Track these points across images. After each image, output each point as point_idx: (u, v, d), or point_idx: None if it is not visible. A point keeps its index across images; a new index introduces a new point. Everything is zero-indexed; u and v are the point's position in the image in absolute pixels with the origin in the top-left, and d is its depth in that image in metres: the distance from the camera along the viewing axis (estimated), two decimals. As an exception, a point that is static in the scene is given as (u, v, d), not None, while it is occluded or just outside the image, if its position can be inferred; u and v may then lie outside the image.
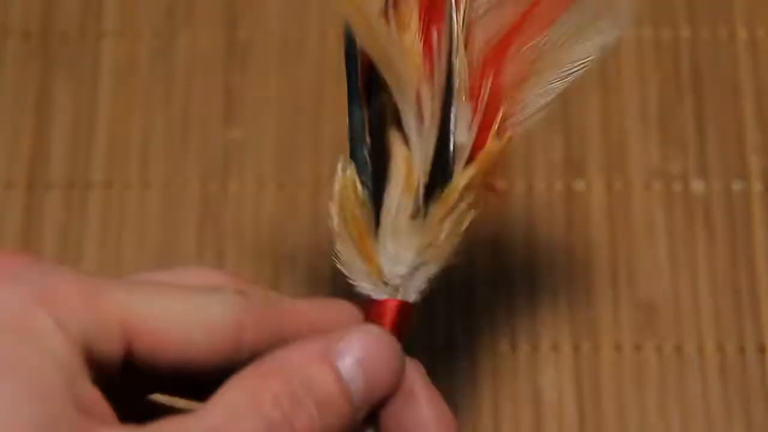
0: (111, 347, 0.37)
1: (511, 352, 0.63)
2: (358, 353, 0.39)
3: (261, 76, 0.70)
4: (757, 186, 0.67)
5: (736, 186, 0.67)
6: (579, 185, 0.67)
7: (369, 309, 0.43)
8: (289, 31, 0.71)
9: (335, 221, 0.44)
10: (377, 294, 0.43)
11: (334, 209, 0.44)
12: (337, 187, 0.44)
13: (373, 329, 0.40)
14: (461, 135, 0.43)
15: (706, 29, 0.70)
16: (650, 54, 0.70)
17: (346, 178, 0.43)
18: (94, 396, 0.36)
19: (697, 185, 0.67)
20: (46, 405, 0.34)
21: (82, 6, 0.72)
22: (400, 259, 0.43)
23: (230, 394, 0.37)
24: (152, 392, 0.42)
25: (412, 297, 0.43)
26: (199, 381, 0.39)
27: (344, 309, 0.42)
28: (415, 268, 0.43)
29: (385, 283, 0.43)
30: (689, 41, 0.70)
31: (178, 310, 0.38)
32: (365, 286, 0.44)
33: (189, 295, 0.38)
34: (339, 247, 0.45)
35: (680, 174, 0.67)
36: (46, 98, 0.69)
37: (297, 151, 0.68)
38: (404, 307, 0.43)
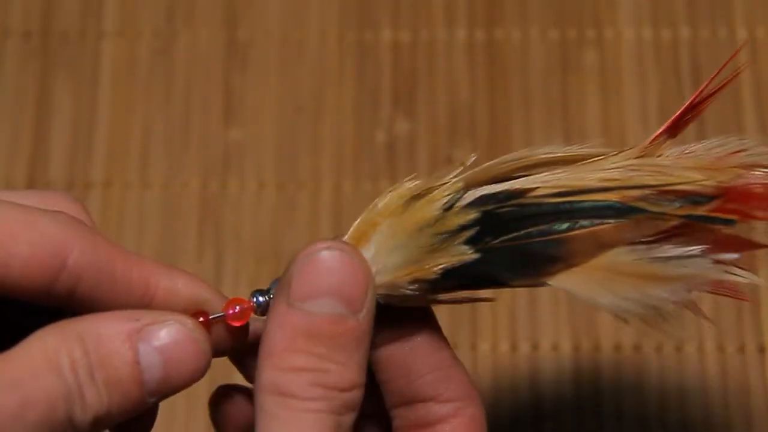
0: None
1: (511, 352, 0.63)
2: (164, 342, 0.38)
3: (261, 76, 0.70)
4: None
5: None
6: (579, 185, 0.67)
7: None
8: (289, 31, 0.71)
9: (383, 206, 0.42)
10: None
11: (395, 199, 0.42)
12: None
13: (187, 322, 0.39)
14: None
15: (706, 29, 0.70)
16: (650, 54, 0.70)
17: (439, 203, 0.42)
18: None
19: (697, 185, 0.67)
20: None
21: (82, 6, 0.72)
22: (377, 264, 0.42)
23: (32, 350, 0.37)
24: None
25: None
26: (11, 318, 0.39)
27: (193, 285, 0.41)
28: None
29: None
30: (689, 41, 0.70)
31: (3, 221, 0.37)
32: None
33: (18, 209, 0.38)
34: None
35: (680, 174, 0.67)
36: (46, 98, 0.69)
37: (297, 151, 0.69)
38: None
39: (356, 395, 0.39)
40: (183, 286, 0.40)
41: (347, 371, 0.39)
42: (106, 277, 0.39)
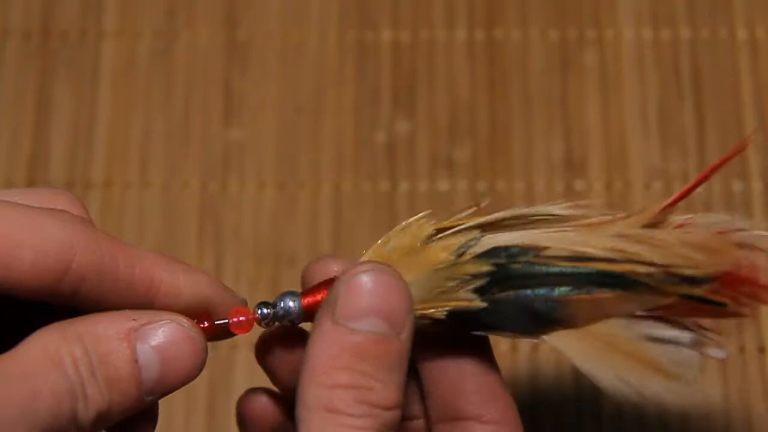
0: None
1: (511, 352, 0.63)
2: (161, 341, 0.39)
3: (261, 76, 0.70)
4: (757, 186, 0.67)
5: (736, 186, 0.67)
6: (579, 185, 0.67)
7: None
8: (289, 31, 0.71)
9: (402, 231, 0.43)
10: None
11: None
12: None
13: (183, 321, 0.40)
14: None
15: (706, 29, 0.70)
16: (650, 54, 0.70)
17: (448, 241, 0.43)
18: None
19: (697, 185, 0.67)
20: None
21: (82, 6, 0.72)
22: None
23: (34, 349, 0.37)
24: None
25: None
26: (9, 317, 0.40)
27: (195, 281, 0.41)
28: None
29: None
30: (689, 41, 0.70)
31: (7, 225, 0.37)
32: None
33: (21, 211, 0.38)
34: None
35: (680, 174, 0.67)
36: (46, 98, 0.69)
37: (297, 151, 0.68)
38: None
39: (396, 415, 0.40)
40: (185, 282, 0.40)
41: (389, 390, 0.40)
42: (109, 276, 0.39)
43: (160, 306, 0.40)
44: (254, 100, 0.70)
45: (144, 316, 0.39)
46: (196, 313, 0.41)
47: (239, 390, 0.64)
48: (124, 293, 0.39)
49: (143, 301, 0.40)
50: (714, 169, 0.44)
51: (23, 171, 0.68)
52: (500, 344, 0.63)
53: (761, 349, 0.63)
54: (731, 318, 0.44)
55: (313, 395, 0.40)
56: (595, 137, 0.68)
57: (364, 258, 0.43)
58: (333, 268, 0.44)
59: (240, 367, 0.64)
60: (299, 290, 0.43)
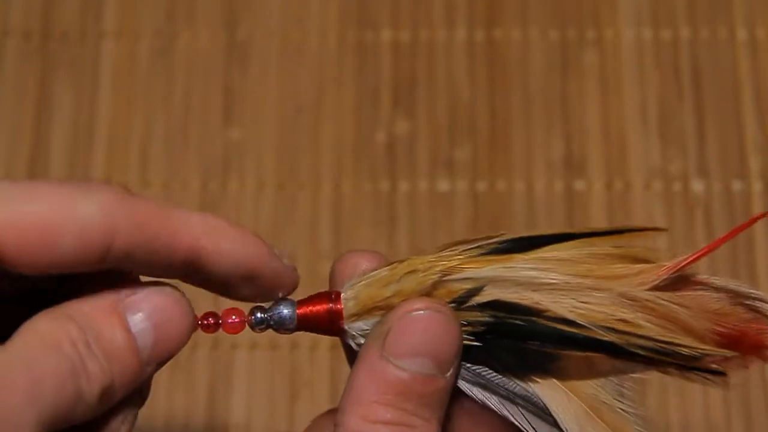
0: None
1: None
2: (149, 309, 0.39)
3: (261, 76, 0.70)
4: (757, 186, 0.67)
5: (736, 186, 0.67)
6: (579, 185, 0.67)
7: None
8: (289, 31, 0.71)
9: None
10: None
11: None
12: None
13: (165, 288, 0.40)
14: None
15: (706, 29, 0.70)
16: (650, 54, 0.70)
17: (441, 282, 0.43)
18: None
19: (697, 185, 0.67)
20: None
21: (82, 6, 0.72)
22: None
23: (28, 337, 0.37)
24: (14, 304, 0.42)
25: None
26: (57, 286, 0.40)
27: (246, 246, 0.41)
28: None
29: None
30: (689, 41, 0.70)
31: (45, 210, 0.37)
32: None
33: (61, 195, 0.38)
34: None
35: (680, 174, 0.67)
36: (46, 98, 0.69)
37: (297, 151, 0.68)
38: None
39: None
40: (229, 248, 0.40)
41: (430, 428, 0.41)
42: (150, 248, 0.39)
43: (205, 272, 0.40)
44: (254, 100, 0.70)
45: (126, 288, 0.39)
46: (240, 279, 0.41)
47: (239, 390, 0.64)
48: (167, 261, 0.39)
49: (187, 268, 0.40)
50: (719, 243, 0.44)
51: (23, 171, 0.68)
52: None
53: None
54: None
55: (355, 425, 0.40)
56: (595, 137, 0.68)
57: (365, 295, 0.42)
58: (363, 265, 0.43)
59: (240, 367, 0.64)
60: (295, 298, 0.43)
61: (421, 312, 0.41)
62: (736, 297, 0.43)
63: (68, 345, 0.37)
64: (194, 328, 0.41)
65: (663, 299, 0.42)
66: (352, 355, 0.43)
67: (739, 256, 0.65)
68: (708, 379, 0.43)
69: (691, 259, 0.43)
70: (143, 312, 0.39)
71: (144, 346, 0.39)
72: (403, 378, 0.40)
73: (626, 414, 0.42)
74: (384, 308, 0.42)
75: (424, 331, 0.41)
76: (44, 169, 0.68)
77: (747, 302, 0.43)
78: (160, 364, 0.40)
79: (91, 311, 0.39)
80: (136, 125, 0.69)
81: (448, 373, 0.41)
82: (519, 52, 0.70)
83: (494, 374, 0.42)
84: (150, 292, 0.40)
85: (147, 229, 0.38)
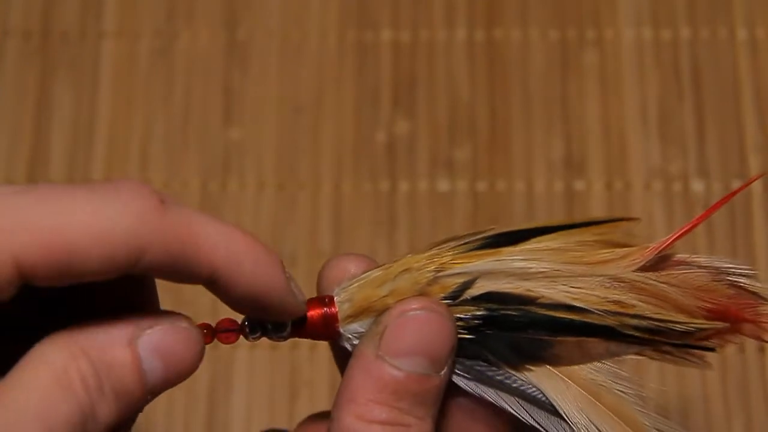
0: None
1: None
2: (164, 349, 0.39)
3: (261, 76, 0.70)
4: (757, 186, 0.67)
5: (736, 186, 0.67)
6: (579, 185, 0.67)
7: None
8: (289, 31, 0.71)
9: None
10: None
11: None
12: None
13: (181, 324, 0.40)
14: None
15: (706, 29, 0.70)
16: (650, 54, 0.70)
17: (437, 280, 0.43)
18: None
19: (697, 185, 0.67)
20: None
21: (82, 6, 0.72)
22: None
23: (39, 371, 0.37)
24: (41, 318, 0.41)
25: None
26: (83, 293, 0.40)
27: (264, 278, 0.40)
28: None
29: None
30: (689, 41, 0.70)
31: (71, 226, 0.37)
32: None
33: (87, 213, 0.37)
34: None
35: (680, 174, 0.67)
36: (46, 98, 0.69)
37: (297, 151, 0.69)
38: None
39: None
40: (248, 276, 0.40)
41: (425, 425, 0.41)
42: (176, 268, 0.39)
43: (220, 291, 0.40)
44: (254, 100, 0.70)
45: (144, 320, 0.39)
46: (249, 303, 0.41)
47: (239, 389, 0.64)
48: (188, 276, 0.39)
49: (206, 283, 0.40)
50: (714, 209, 0.44)
51: (23, 171, 0.68)
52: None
53: (761, 349, 0.63)
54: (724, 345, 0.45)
55: (350, 424, 0.41)
56: (595, 137, 0.68)
57: (360, 296, 0.42)
58: (351, 269, 0.43)
59: (240, 367, 0.64)
60: None
61: (417, 312, 0.41)
62: (719, 273, 0.43)
63: (80, 387, 0.37)
64: (201, 359, 0.41)
65: (651, 279, 0.42)
66: (342, 360, 0.43)
67: (737, 241, 0.65)
68: (698, 358, 0.43)
69: (675, 236, 0.43)
70: (157, 346, 0.39)
71: (152, 381, 0.39)
72: (398, 377, 0.41)
73: (625, 395, 0.43)
74: (379, 308, 0.42)
75: (419, 330, 0.41)
76: (44, 169, 0.68)
77: (729, 278, 0.43)
78: (163, 391, 0.40)
79: (105, 344, 0.38)
80: (136, 125, 0.69)
81: (443, 372, 0.41)
82: (519, 52, 0.70)
83: (489, 367, 0.42)
84: (167, 330, 0.39)
85: (173, 250, 0.38)
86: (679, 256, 0.44)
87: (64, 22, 0.71)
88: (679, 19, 0.71)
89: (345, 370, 0.42)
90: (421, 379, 0.41)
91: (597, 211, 0.67)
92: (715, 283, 0.43)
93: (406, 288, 0.42)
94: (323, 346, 0.63)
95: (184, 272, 0.38)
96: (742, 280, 0.43)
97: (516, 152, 0.68)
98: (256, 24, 0.71)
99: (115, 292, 0.40)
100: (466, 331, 0.42)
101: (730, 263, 0.43)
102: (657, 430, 0.42)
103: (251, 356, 0.64)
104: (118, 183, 0.38)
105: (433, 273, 0.42)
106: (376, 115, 0.69)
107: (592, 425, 0.42)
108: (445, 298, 0.42)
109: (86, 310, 0.39)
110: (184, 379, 0.40)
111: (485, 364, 0.42)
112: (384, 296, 0.42)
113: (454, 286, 0.42)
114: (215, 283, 0.39)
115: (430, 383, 0.41)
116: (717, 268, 0.43)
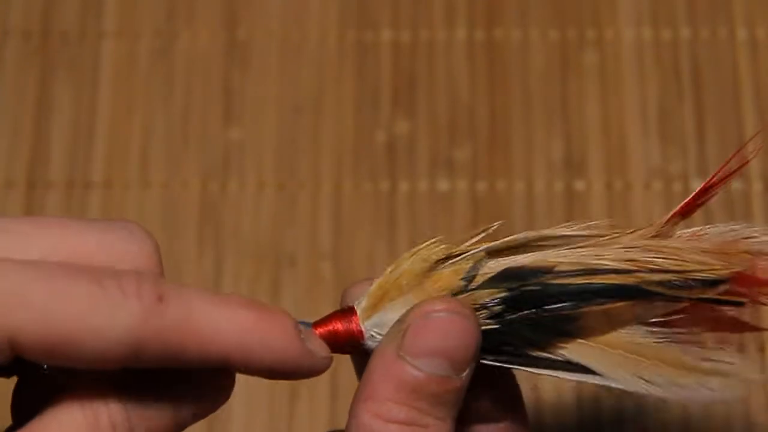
0: None
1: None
2: None
3: (261, 76, 0.70)
4: (757, 186, 0.67)
5: (736, 186, 0.67)
6: (579, 185, 0.67)
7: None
8: (289, 31, 0.71)
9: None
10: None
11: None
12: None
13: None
14: None
15: (706, 29, 0.70)
16: (650, 54, 0.70)
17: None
18: None
19: (697, 185, 0.67)
20: None
21: (82, 6, 0.72)
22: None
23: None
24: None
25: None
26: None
27: (276, 361, 0.41)
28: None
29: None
30: (689, 41, 0.70)
31: (68, 319, 0.36)
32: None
33: (83, 304, 0.37)
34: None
35: (680, 174, 0.67)
36: (46, 98, 0.69)
37: (297, 151, 0.69)
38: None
39: None
40: (258, 362, 0.41)
41: (443, 426, 0.41)
42: (180, 360, 0.39)
43: (241, 370, 0.41)
44: (254, 100, 0.70)
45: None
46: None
47: (239, 389, 0.64)
48: (194, 364, 0.39)
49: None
50: (717, 182, 0.44)
51: (23, 171, 0.68)
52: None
53: (761, 349, 0.63)
54: (748, 329, 0.44)
55: (368, 422, 0.40)
56: (595, 137, 0.68)
57: (374, 285, 0.42)
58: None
59: (240, 367, 0.64)
60: (311, 321, 0.43)
61: (441, 314, 0.41)
62: (734, 239, 0.43)
63: None
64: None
65: (669, 243, 0.42)
66: (360, 360, 0.43)
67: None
68: (729, 320, 0.43)
69: (692, 197, 0.43)
70: None
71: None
72: (418, 377, 0.40)
73: (663, 342, 0.42)
74: (394, 293, 0.42)
75: (442, 332, 0.41)
76: (44, 169, 0.68)
77: (746, 242, 0.43)
78: None
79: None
80: (136, 125, 0.69)
81: (464, 374, 0.41)
82: (519, 52, 0.70)
83: (517, 349, 0.42)
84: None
85: (173, 347, 0.38)
86: (693, 230, 0.43)
87: (64, 22, 0.71)
88: (679, 19, 0.71)
89: (365, 367, 0.41)
90: (442, 381, 0.41)
91: (597, 211, 0.67)
92: (731, 246, 0.43)
93: (415, 268, 0.42)
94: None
95: (190, 363, 0.39)
96: (762, 243, 0.43)
97: (516, 152, 0.68)
98: (256, 24, 0.71)
99: None
100: (490, 321, 0.42)
101: (747, 226, 0.43)
102: (703, 360, 0.42)
103: (251, 357, 0.64)
104: (120, 273, 0.38)
105: (443, 254, 0.42)
106: (376, 115, 0.69)
107: (640, 379, 0.42)
108: (461, 280, 0.42)
109: None
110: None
111: (512, 347, 0.42)
112: (396, 279, 0.42)
113: (468, 267, 0.42)
114: (232, 367, 0.40)
115: (451, 385, 0.41)
116: (733, 232, 0.43)
